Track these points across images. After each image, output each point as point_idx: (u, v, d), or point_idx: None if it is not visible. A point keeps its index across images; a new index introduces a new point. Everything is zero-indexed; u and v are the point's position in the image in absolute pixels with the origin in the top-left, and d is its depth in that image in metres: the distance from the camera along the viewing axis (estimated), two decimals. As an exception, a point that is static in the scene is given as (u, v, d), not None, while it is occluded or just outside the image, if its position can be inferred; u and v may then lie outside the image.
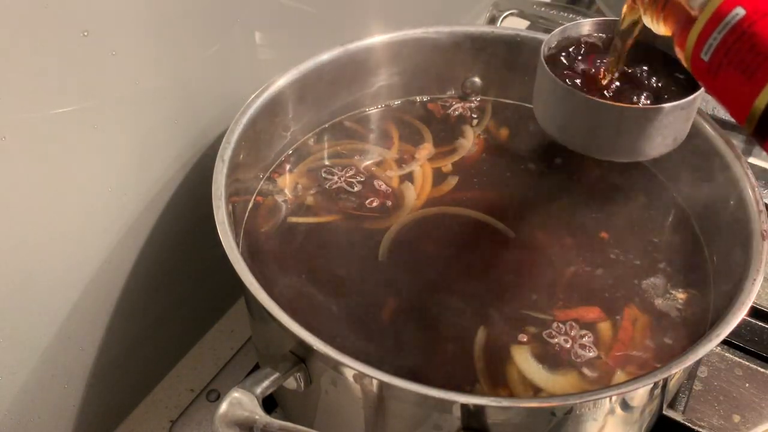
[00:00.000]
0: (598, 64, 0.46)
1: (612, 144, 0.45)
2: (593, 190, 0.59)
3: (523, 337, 0.47)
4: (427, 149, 0.62)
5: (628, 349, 0.47)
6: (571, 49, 0.47)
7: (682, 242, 0.55)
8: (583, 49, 0.47)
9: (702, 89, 0.43)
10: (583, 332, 0.48)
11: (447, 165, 0.60)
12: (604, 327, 0.48)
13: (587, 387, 0.45)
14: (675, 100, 0.42)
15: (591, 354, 0.46)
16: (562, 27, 0.47)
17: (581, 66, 0.46)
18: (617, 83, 0.45)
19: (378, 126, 0.64)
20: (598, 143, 0.45)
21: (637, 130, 0.43)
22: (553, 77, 0.44)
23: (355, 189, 0.58)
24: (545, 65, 0.45)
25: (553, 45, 0.47)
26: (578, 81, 0.45)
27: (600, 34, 0.48)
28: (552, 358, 0.46)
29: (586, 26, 0.48)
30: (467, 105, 0.66)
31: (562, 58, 0.46)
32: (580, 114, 0.44)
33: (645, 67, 0.45)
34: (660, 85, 0.45)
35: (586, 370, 0.46)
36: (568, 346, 0.47)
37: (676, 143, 0.45)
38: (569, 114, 0.45)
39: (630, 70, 0.45)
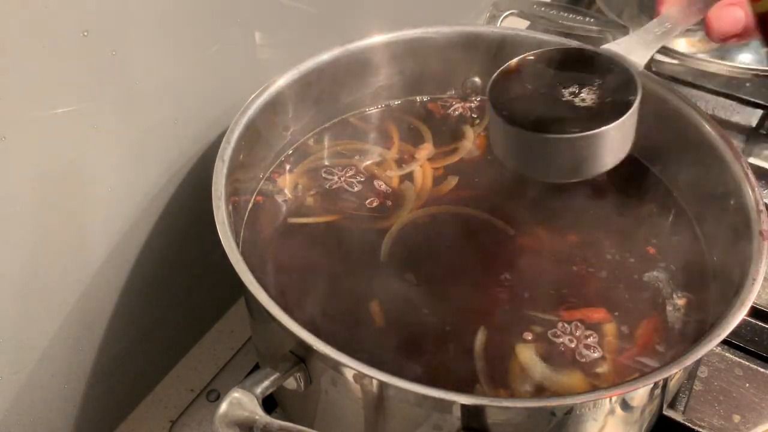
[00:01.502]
0: (539, 93, 0.48)
1: (555, 169, 0.47)
2: (593, 190, 0.59)
3: (528, 335, 0.47)
4: (427, 149, 0.62)
5: (634, 348, 0.47)
6: (514, 82, 0.49)
7: (682, 242, 0.55)
8: (525, 80, 0.49)
9: (634, 107, 0.45)
10: (588, 332, 0.48)
11: (446, 165, 0.60)
12: (609, 327, 0.48)
13: (590, 386, 0.45)
14: (609, 119, 0.45)
15: (595, 354, 0.46)
16: (506, 64, 0.50)
17: (523, 97, 0.48)
18: (557, 109, 0.47)
19: (378, 126, 0.64)
20: (542, 169, 0.48)
21: (577, 154, 0.46)
22: (493, 112, 0.47)
23: (355, 189, 0.58)
24: (489, 99, 0.47)
25: (500, 78, 0.49)
26: (521, 111, 0.47)
27: (543, 65, 0.50)
28: (556, 358, 0.46)
29: (530, 58, 0.50)
30: (467, 105, 0.66)
31: (507, 90, 0.48)
32: (522, 145, 0.47)
33: (580, 90, 0.47)
34: (596, 105, 0.46)
35: (589, 370, 0.46)
36: (573, 345, 0.47)
37: (619, 158, 0.47)
38: (512, 144, 0.48)
39: (566, 96, 0.47)
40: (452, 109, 0.66)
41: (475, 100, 0.66)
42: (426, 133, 0.63)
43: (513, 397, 0.44)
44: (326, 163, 0.60)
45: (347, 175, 0.59)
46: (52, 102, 0.41)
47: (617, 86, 0.46)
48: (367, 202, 0.56)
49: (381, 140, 0.63)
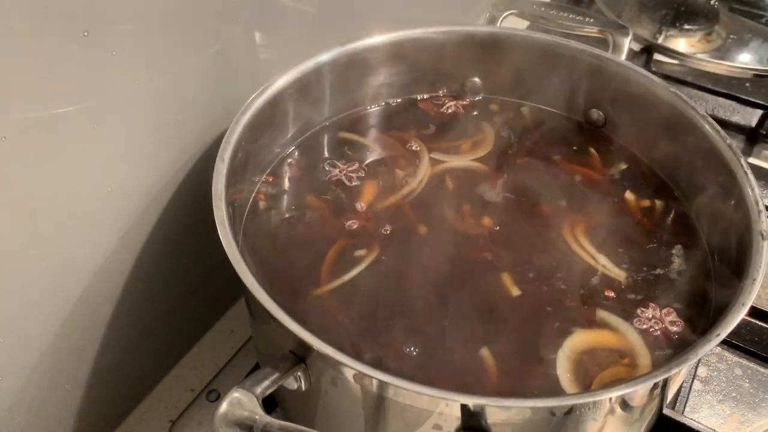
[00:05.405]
0: None
1: None
2: (593, 188, 0.59)
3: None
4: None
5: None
6: None
7: (683, 242, 0.55)
8: None
9: None
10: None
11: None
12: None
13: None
14: None
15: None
16: None
17: None
18: None
19: (378, 125, 0.64)
20: None
21: None
22: None
23: (353, 184, 0.58)
24: None
25: None
26: None
27: None
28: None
29: None
30: (467, 104, 0.66)
31: None
32: None
33: None
34: None
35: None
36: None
37: None
38: None
39: None
40: (452, 108, 0.66)
41: (475, 99, 0.67)
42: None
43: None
44: (325, 162, 0.60)
45: (348, 169, 0.59)
46: (52, 102, 0.41)
47: None
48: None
49: (380, 140, 0.63)
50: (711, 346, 0.40)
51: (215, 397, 0.58)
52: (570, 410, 0.40)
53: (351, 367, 0.38)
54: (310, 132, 0.62)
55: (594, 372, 0.46)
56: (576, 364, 0.46)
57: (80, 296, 0.49)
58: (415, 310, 0.49)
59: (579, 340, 0.47)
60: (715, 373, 0.61)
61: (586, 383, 0.45)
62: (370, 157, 0.61)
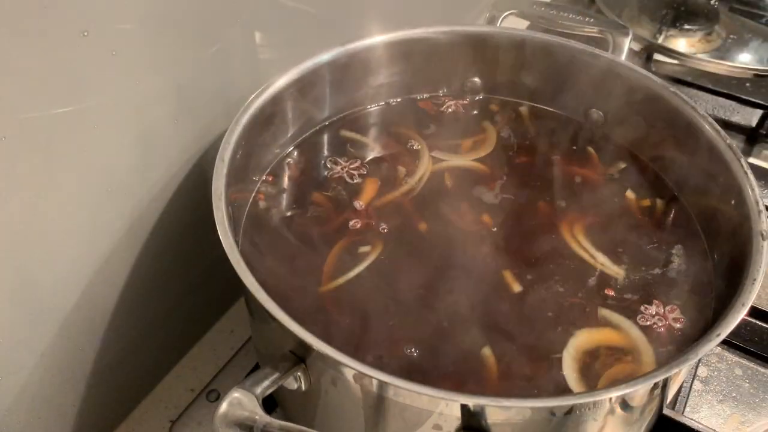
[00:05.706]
0: None
1: None
2: (593, 188, 0.59)
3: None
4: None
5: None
6: None
7: (683, 241, 0.55)
8: None
9: None
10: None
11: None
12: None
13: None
14: None
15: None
16: None
17: None
18: None
19: (378, 124, 0.64)
20: None
21: None
22: None
23: (355, 181, 0.58)
24: None
25: None
26: None
27: None
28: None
29: None
30: (467, 104, 0.66)
31: None
32: None
33: None
34: None
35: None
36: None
37: None
38: None
39: None
40: (452, 108, 0.66)
41: (475, 99, 0.67)
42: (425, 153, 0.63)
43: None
44: (325, 162, 0.60)
45: (350, 166, 0.59)
46: (52, 102, 0.41)
47: None
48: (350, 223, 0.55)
49: (379, 141, 0.63)
50: (711, 346, 0.40)
51: (215, 397, 0.58)
52: (570, 410, 0.40)
53: (351, 367, 0.38)
54: (310, 131, 0.62)
55: (600, 370, 0.46)
56: (581, 363, 0.46)
57: (80, 296, 0.49)
58: (416, 308, 0.49)
59: (583, 339, 0.47)
60: (715, 373, 0.61)
61: (593, 382, 0.45)
62: (371, 155, 0.61)
